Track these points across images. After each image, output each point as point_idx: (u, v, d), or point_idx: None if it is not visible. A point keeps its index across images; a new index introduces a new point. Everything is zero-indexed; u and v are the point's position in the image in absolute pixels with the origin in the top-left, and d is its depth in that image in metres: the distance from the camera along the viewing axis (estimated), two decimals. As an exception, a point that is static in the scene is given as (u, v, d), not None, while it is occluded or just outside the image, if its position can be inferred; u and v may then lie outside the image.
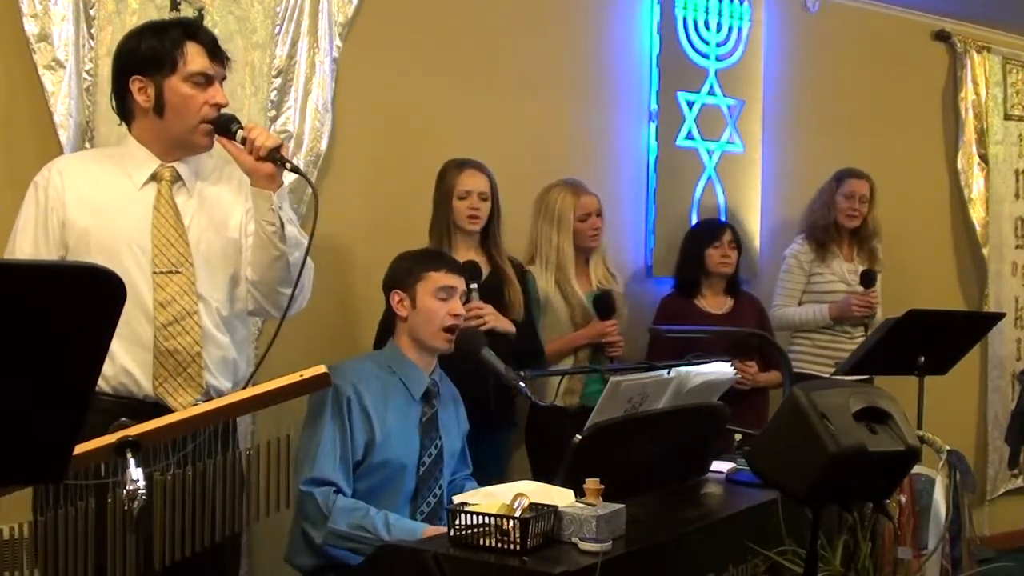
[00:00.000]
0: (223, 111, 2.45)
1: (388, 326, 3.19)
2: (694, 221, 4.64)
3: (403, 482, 2.83)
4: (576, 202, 3.84)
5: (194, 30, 2.47)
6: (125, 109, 2.49)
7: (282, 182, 2.45)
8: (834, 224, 4.56)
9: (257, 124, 2.48)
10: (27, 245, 2.41)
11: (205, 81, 2.43)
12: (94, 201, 2.42)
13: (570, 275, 3.82)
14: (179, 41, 2.42)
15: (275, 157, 2.37)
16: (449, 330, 2.88)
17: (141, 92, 2.43)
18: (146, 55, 2.41)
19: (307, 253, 2.40)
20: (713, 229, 4.32)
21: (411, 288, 2.90)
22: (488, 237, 3.51)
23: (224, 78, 2.50)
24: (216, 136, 2.45)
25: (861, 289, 4.41)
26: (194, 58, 2.42)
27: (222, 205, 2.52)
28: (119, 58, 2.48)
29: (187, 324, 2.41)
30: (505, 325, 3.35)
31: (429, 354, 2.94)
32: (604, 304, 3.77)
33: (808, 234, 4.60)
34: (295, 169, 2.42)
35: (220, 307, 2.49)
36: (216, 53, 2.47)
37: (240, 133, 2.40)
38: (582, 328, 3.80)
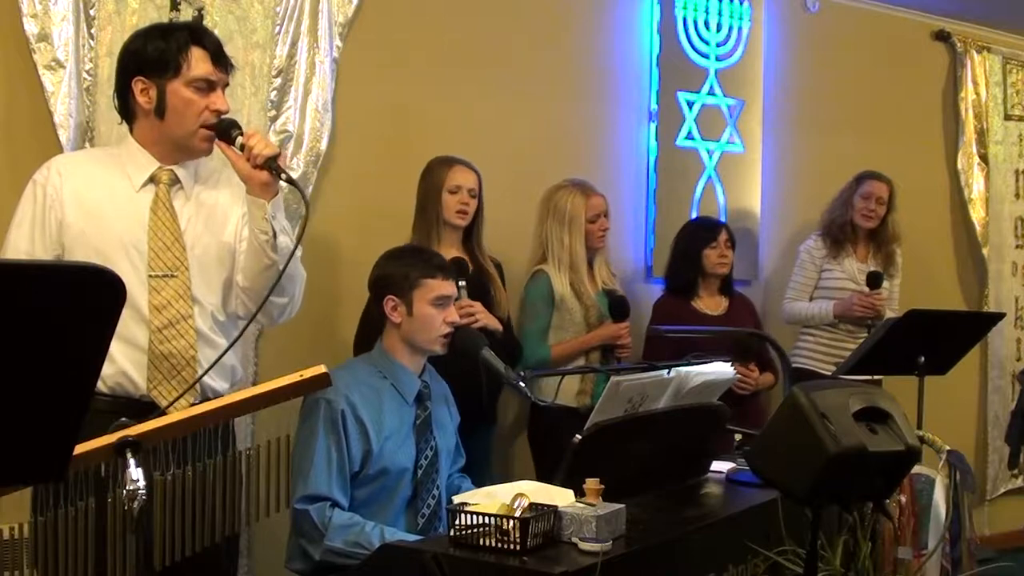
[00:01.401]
0: (224, 116, 2.45)
1: (370, 330, 3.22)
2: (691, 221, 4.63)
3: (401, 487, 2.82)
4: (587, 203, 3.84)
5: (200, 35, 2.47)
6: (127, 109, 2.49)
7: (277, 191, 2.44)
8: (850, 223, 4.58)
9: (257, 131, 2.48)
10: (23, 242, 2.40)
11: (207, 87, 2.43)
12: (92, 202, 2.41)
13: (583, 275, 3.82)
14: (184, 45, 2.41)
15: (272, 166, 2.37)
16: (445, 336, 2.88)
17: (143, 93, 2.42)
18: (150, 57, 2.41)
19: (289, 259, 2.39)
20: (709, 229, 4.28)
21: (407, 295, 2.86)
22: (471, 236, 3.53)
23: (227, 84, 2.50)
24: (215, 140, 2.44)
25: (867, 289, 4.42)
26: (198, 63, 2.42)
27: (219, 209, 2.52)
28: (123, 58, 2.47)
29: (182, 328, 2.40)
30: (494, 323, 3.37)
31: (420, 356, 2.93)
32: (619, 306, 3.77)
33: (825, 231, 4.63)
34: (290, 181, 2.40)
35: (215, 311, 2.49)
36: (220, 59, 2.46)
37: (239, 139, 2.39)
38: (595, 328, 3.80)
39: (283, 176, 2.39)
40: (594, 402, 3.66)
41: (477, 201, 3.50)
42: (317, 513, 2.67)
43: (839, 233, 4.58)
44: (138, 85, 2.42)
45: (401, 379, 2.88)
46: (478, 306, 3.30)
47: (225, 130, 2.42)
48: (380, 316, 2.94)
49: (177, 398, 2.35)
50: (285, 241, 2.43)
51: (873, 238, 4.64)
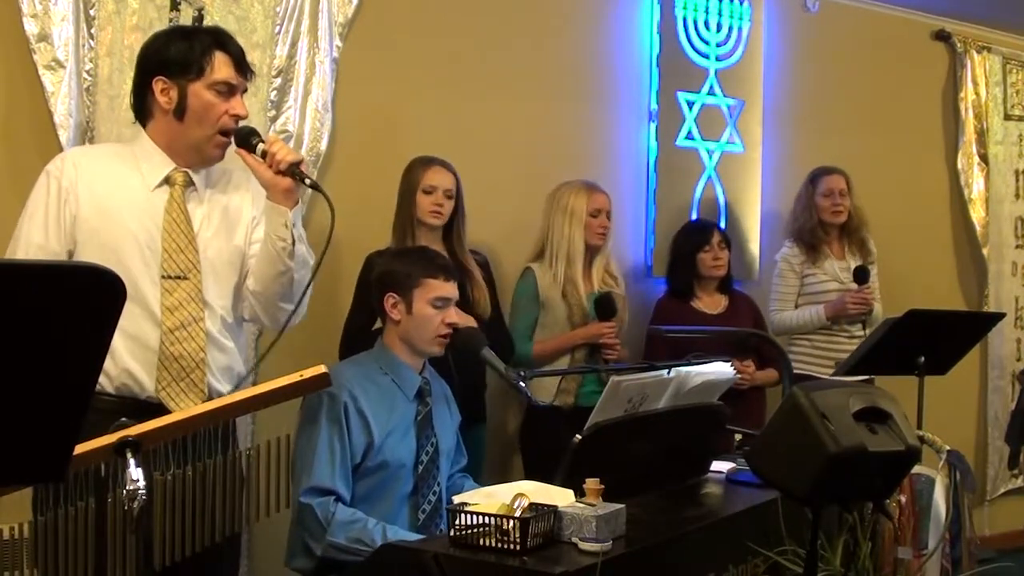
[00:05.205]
0: (243, 123, 2.45)
1: (354, 337, 3.26)
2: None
3: (402, 482, 2.83)
4: (589, 197, 3.87)
5: (224, 40, 2.48)
6: (143, 109, 2.48)
7: (299, 199, 2.45)
8: (820, 224, 4.54)
9: (279, 139, 2.49)
10: (37, 234, 2.38)
11: (228, 91, 2.43)
12: (106, 200, 2.40)
13: (578, 268, 3.83)
14: (208, 48, 2.42)
15: (295, 172, 2.37)
16: (443, 337, 2.89)
17: (164, 93, 2.42)
18: (173, 57, 2.41)
19: (314, 275, 2.40)
20: (701, 232, 4.29)
21: (408, 293, 2.88)
22: (452, 235, 3.54)
23: (246, 90, 2.50)
24: (236, 148, 2.44)
25: (855, 287, 4.41)
26: (221, 67, 2.42)
27: (231, 212, 2.52)
28: (144, 57, 2.47)
29: (192, 330, 2.40)
30: (467, 322, 3.37)
31: (419, 356, 2.94)
32: (604, 305, 3.78)
33: (796, 238, 4.58)
34: (314, 186, 2.41)
35: (225, 314, 2.49)
36: (242, 65, 2.47)
37: (260, 147, 2.39)
38: (579, 327, 3.81)
39: (307, 181, 2.39)
40: (577, 402, 3.71)
41: (454, 201, 3.51)
42: (321, 508, 2.68)
43: (811, 238, 4.51)
44: (159, 84, 2.42)
45: (402, 375, 2.89)
46: None
47: (245, 138, 2.42)
48: (380, 313, 2.95)
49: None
50: (302, 250, 2.44)
51: (844, 231, 4.58)
